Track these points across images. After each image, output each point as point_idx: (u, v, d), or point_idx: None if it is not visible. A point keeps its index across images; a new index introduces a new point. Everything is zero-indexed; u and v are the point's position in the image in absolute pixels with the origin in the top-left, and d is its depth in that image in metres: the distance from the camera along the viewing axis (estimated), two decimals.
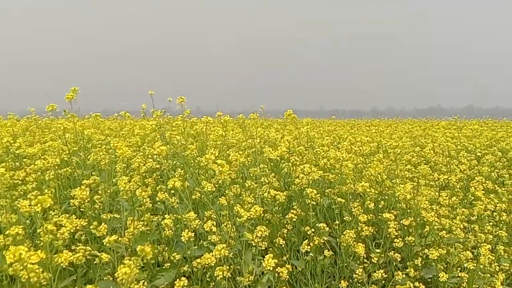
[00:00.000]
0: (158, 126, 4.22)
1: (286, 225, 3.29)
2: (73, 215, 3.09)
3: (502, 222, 3.93)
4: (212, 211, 2.67)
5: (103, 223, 2.21)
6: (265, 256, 2.29)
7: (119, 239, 2.41)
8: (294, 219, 3.17)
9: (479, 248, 3.32)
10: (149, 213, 2.78)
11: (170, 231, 2.58)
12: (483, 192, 4.04)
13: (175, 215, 2.83)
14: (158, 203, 3.05)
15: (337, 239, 3.19)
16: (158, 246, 2.76)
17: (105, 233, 2.16)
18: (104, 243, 2.10)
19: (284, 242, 3.10)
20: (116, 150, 2.22)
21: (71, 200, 2.70)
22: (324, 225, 3.06)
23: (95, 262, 2.27)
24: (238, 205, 2.59)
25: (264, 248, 3.05)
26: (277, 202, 3.20)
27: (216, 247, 2.06)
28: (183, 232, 2.33)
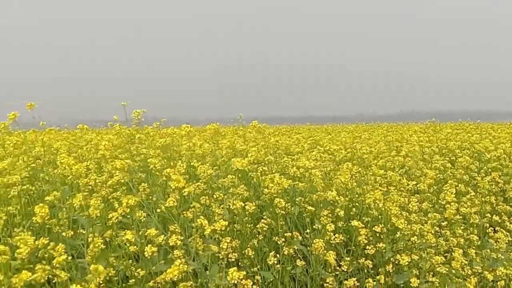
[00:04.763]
0: (131, 138, 4.16)
1: (257, 235, 3.26)
2: (39, 232, 3.05)
3: (474, 226, 3.95)
4: (176, 225, 2.62)
5: (60, 244, 2.16)
6: (229, 269, 2.26)
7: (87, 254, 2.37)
8: (265, 229, 3.15)
9: (451, 252, 3.34)
10: (112, 229, 2.73)
11: (135, 246, 2.53)
12: (455, 195, 4.05)
13: (142, 230, 2.78)
14: (128, 216, 3.00)
15: (308, 247, 3.18)
16: (125, 262, 2.71)
17: (63, 253, 2.11)
18: (54, 264, 2.06)
19: (254, 253, 3.07)
20: (68, 167, 2.17)
21: (34, 218, 2.64)
22: (295, 233, 3.04)
23: (54, 281, 2.21)
24: (202, 217, 2.55)
25: (234, 260, 3.02)
26: (247, 212, 3.18)
27: (174, 263, 2.02)
28: (146, 248, 2.29)
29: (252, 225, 3.33)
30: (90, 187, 3.23)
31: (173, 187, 2.42)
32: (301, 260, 3.10)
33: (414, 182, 3.99)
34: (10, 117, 2.99)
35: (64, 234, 2.52)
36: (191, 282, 2.20)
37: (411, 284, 3.07)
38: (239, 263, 3.18)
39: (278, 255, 3.00)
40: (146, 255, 2.31)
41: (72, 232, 2.76)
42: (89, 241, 2.41)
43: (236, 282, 2.27)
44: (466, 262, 3.30)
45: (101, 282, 2.15)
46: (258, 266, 3.14)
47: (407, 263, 3.08)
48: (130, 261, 2.76)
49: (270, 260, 2.86)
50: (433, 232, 3.47)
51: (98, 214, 2.39)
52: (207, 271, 2.67)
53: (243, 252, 3.10)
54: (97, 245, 2.25)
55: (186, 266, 2.02)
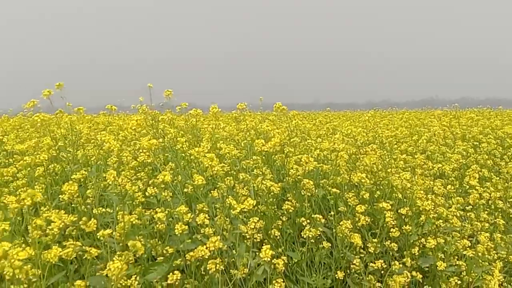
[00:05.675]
0: (154, 120, 4.17)
1: (281, 217, 3.25)
2: (64, 211, 3.07)
3: (498, 210, 3.90)
4: (203, 204, 2.62)
5: (92, 219, 2.16)
6: (262, 248, 2.26)
7: (113, 233, 2.38)
8: (291, 210, 3.14)
9: (476, 237, 3.31)
10: (140, 207, 2.74)
11: (163, 225, 2.53)
12: (478, 180, 4.01)
13: (167, 209, 2.79)
14: (151, 197, 3.01)
15: (333, 230, 3.16)
16: (151, 240, 2.72)
17: (95, 229, 2.11)
18: (98, 237, 2.06)
19: (279, 233, 3.07)
20: (104, 144, 2.17)
21: (61, 196, 2.65)
22: (320, 216, 3.03)
23: (84, 258, 2.23)
24: (230, 197, 2.54)
25: (259, 240, 3.02)
26: (272, 193, 3.17)
27: (210, 239, 2.02)
28: (176, 225, 2.29)
29: (275, 206, 3.32)
30: (115, 166, 3.25)
31: (208, 165, 2.41)
32: (326, 241, 3.09)
33: (439, 165, 3.94)
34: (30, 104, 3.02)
35: (94, 211, 2.53)
36: (220, 260, 2.20)
37: (437, 267, 3.05)
38: (263, 244, 3.18)
39: (302, 238, 2.99)
40: (176, 233, 2.31)
41: (98, 210, 2.77)
42: (118, 219, 2.41)
43: (267, 260, 2.27)
44: (492, 246, 3.27)
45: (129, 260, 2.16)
46: (283, 247, 3.14)
47: (433, 246, 3.06)
48: (156, 239, 2.78)
49: (305, 234, 2.85)
50: (457, 216, 3.44)
51: (136, 190, 2.39)
52: (233, 251, 2.67)
53: (268, 233, 3.09)
54: (131, 220, 2.25)
55: (221, 244, 2.02)
